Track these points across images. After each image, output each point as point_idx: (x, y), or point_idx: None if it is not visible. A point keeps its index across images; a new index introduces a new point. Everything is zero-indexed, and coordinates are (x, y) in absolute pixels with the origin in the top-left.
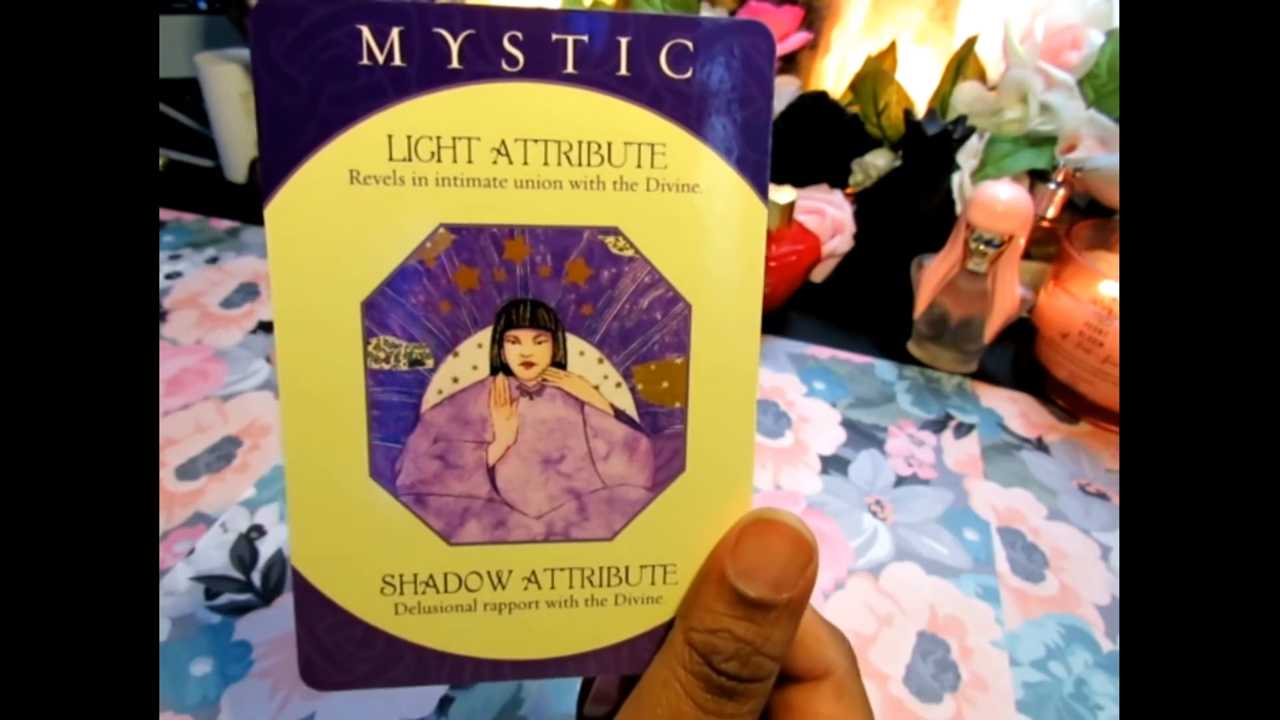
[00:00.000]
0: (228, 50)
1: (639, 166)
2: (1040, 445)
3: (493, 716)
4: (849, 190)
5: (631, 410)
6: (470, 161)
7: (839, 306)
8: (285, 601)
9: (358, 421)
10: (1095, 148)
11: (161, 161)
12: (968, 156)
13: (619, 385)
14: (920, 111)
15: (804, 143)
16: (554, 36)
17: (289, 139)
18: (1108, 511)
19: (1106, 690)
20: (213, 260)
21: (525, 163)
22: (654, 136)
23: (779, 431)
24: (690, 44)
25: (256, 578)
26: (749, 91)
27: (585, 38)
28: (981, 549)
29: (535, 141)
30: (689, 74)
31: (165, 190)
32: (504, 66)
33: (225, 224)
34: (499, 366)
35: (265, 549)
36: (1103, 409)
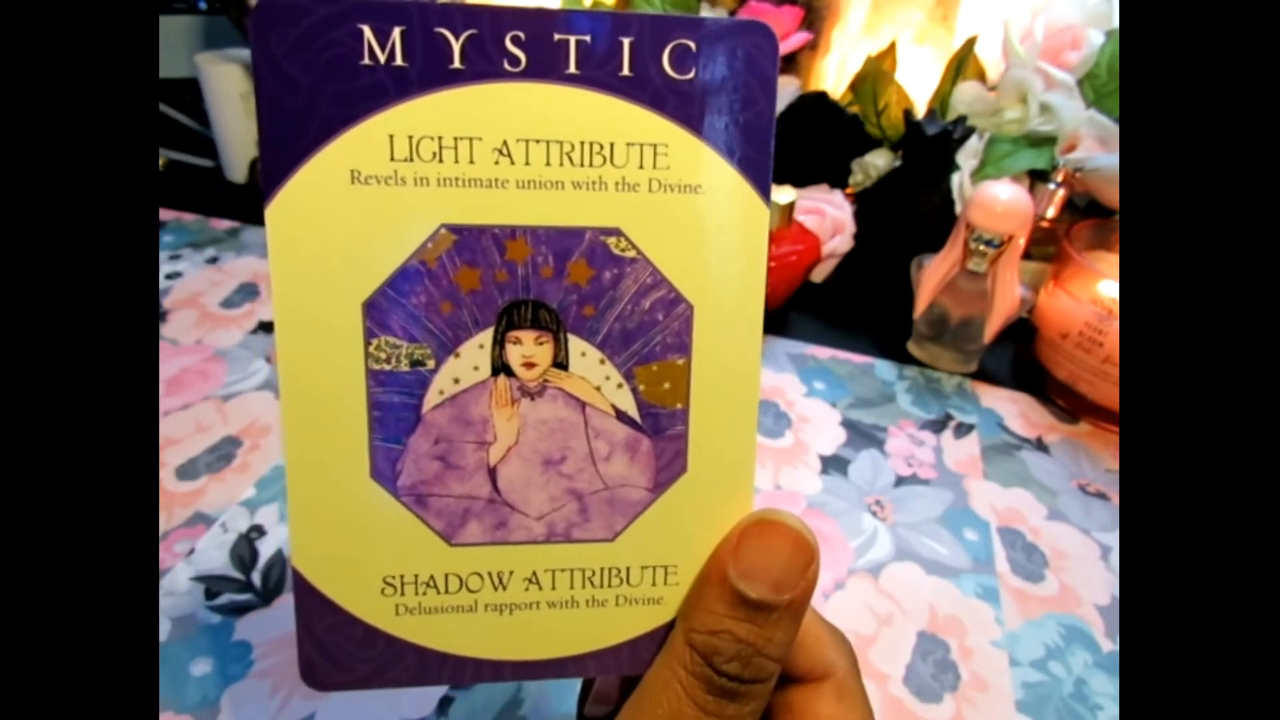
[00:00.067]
0: (228, 50)
1: (641, 167)
2: (1040, 445)
3: (493, 717)
4: (849, 190)
5: (633, 411)
6: (472, 162)
7: (839, 306)
8: (285, 601)
9: (359, 422)
10: (1095, 148)
11: (161, 161)
12: (968, 156)
13: (620, 386)
14: (920, 111)
15: (804, 143)
16: (556, 36)
17: (290, 139)
18: (1108, 511)
19: (1106, 690)
20: (213, 260)
21: (527, 163)
22: (656, 137)
23: (779, 431)
24: (693, 44)
25: (256, 578)
26: (751, 92)
27: (588, 38)
28: (981, 549)
29: (537, 142)
30: (691, 74)
31: (165, 190)
32: (506, 66)
33: (225, 224)
34: (500, 367)
35: (265, 549)
36: (1103, 409)
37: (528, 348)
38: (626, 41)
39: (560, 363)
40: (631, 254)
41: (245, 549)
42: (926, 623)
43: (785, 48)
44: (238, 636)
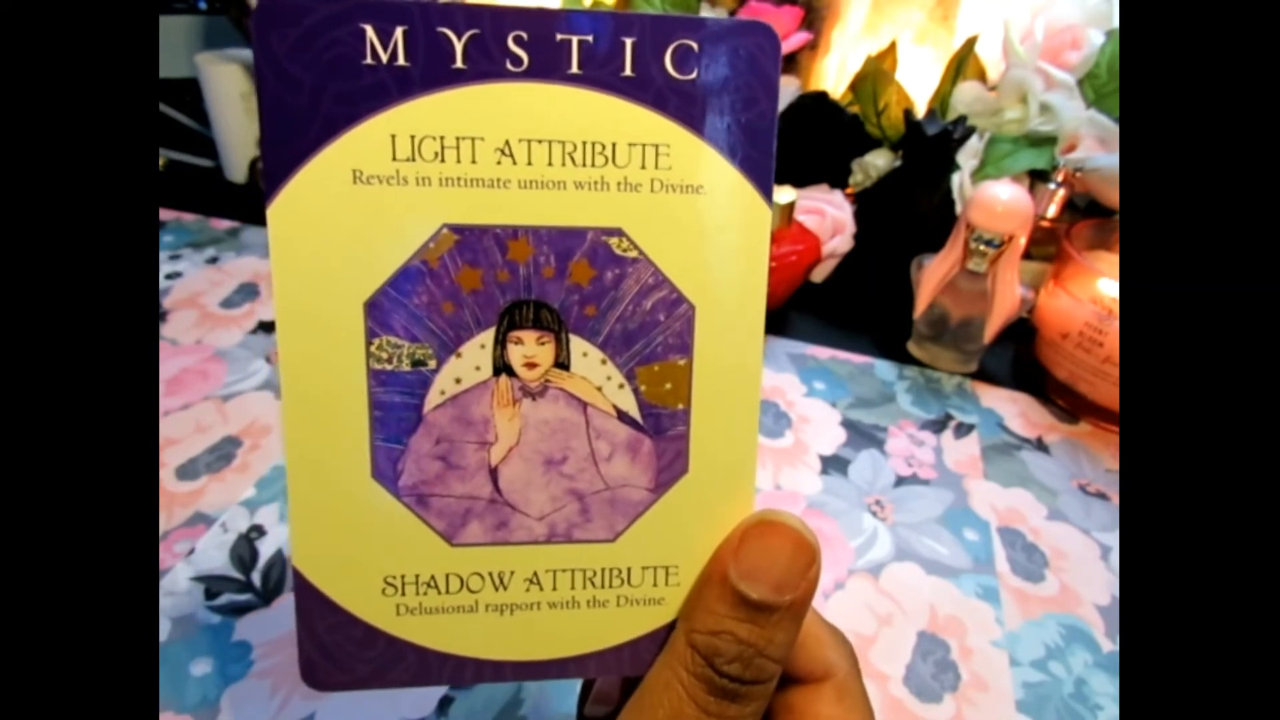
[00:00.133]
0: (228, 50)
1: (643, 167)
2: (1040, 445)
3: (493, 717)
4: (849, 190)
5: (634, 411)
6: (474, 162)
7: (839, 306)
8: (285, 601)
9: (360, 422)
10: (1095, 148)
11: (161, 161)
12: (968, 156)
13: (622, 386)
14: (920, 111)
15: (804, 143)
16: (559, 36)
17: (292, 138)
18: (1108, 511)
19: (1106, 690)
20: (213, 260)
21: (529, 163)
22: (658, 137)
23: (779, 431)
24: (695, 45)
25: (256, 578)
26: (753, 93)
27: (590, 38)
28: (981, 549)
29: (539, 142)
30: (694, 75)
31: (165, 190)
32: (508, 66)
33: (225, 224)
34: (502, 367)
35: (265, 549)
36: (1103, 409)
37: (529, 348)
38: (629, 42)
39: (562, 363)
40: (633, 254)
41: (245, 549)
42: (926, 623)
43: (785, 48)
44: (238, 636)
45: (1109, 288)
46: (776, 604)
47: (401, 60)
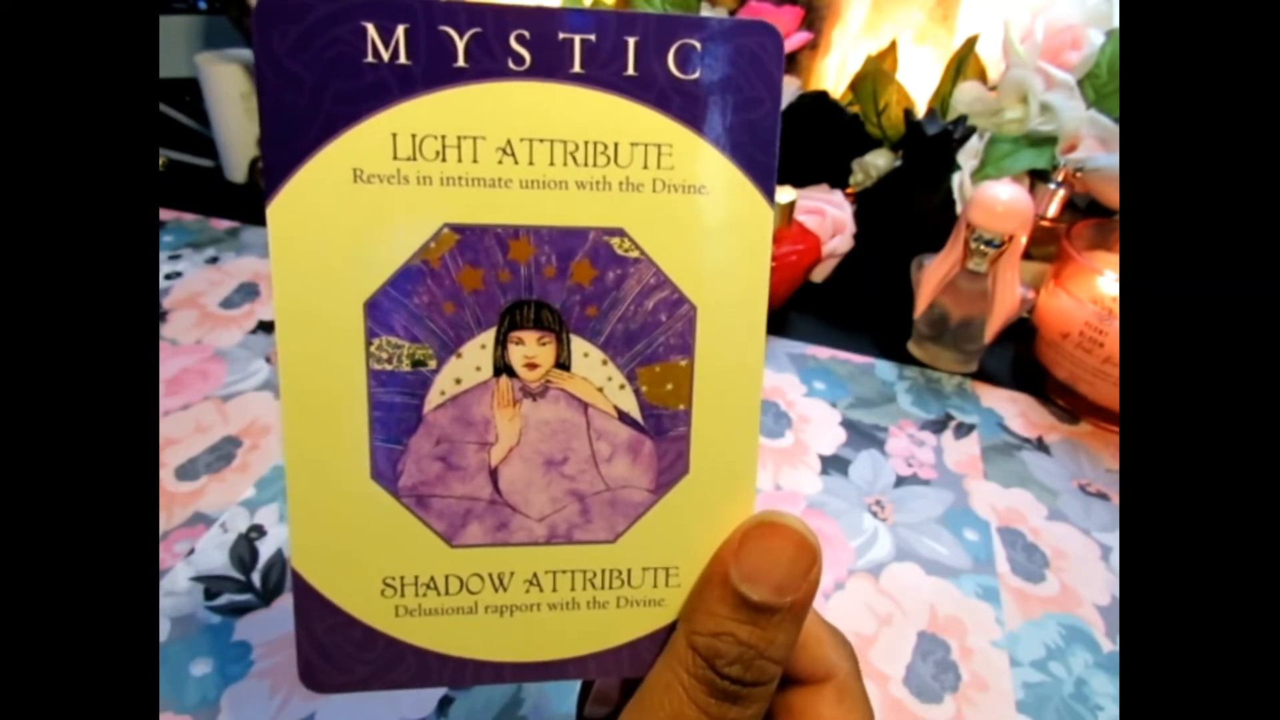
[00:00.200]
0: (228, 50)
1: (645, 167)
2: (1040, 445)
3: (493, 717)
4: (849, 190)
5: (635, 412)
6: (475, 161)
7: (839, 306)
8: (285, 602)
9: (359, 422)
10: (1095, 148)
11: (161, 161)
12: (968, 156)
13: (623, 387)
14: (920, 111)
15: (804, 143)
16: (561, 35)
17: (292, 137)
18: (1108, 511)
19: (1106, 690)
20: (213, 260)
21: (531, 163)
22: (660, 137)
23: (779, 431)
24: (698, 44)
25: (256, 578)
26: (756, 92)
27: (592, 37)
28: (981, 549)
29: (541, 141)
30: (696, 74)
31: (165, 190)
32: (510, 65)
33: (225, 224)
34: (502, 368)
35: (265, 549)
36: (1103, 409)
37: (530, 348)
38: (631, 41)
39: (562, 363)
40: (635, 254)
41: (245, 549)
42: (927, 623)
43: (785, 47)
44: (237, 637)
45: (1109, 288)
46: (777, 605)
47: (403, 58)
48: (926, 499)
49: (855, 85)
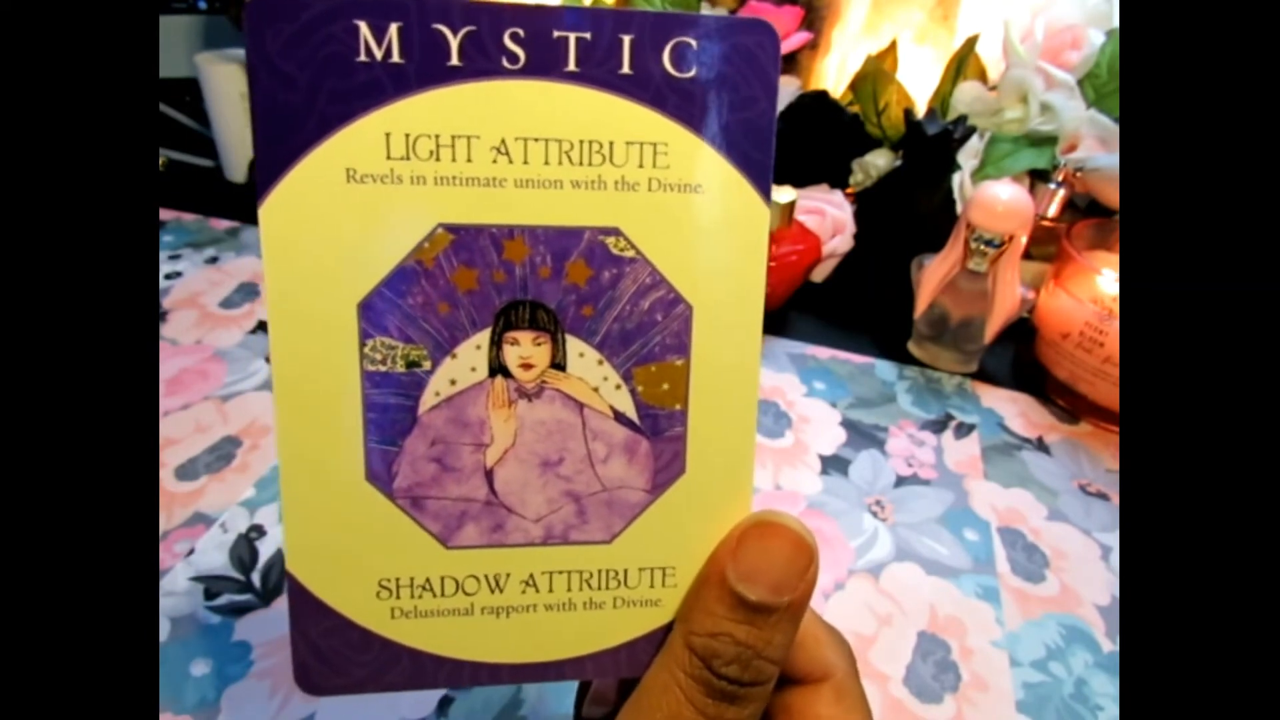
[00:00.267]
0: (228, 50)
1: (641, 166)
2: (1040, 445)
3: (492, 717)
4: (849, 190)
5: (631, 412)
6: (469, 160)
7: (839, 306)
8: (285, 602)
9: (354, 424)
10: (1095, 148)
11: (161, 161)
12: (968, 156)
13: (619, 387)
14: (920, 111)
15: (804, 143)
16: (556, 34)
17: (285, 136)
18: (1108, 511)
19: (1106, 690)
20: (213, 260)
21: (525, 162)
22: (656, 136)
23: (779, 431)
24: (694, 42)
25: (256, 578)
26: (752, 91)
27: (588, 35)
28: (981, 549)
29: (536, 140)
30: (692, 73)
31: (165, 190)
32: (505, 64)
33: (225, 224)
34: (497, 368)
35: (265, 549)
36: (1103, 409)
37: (525, 349)
38: (627, 39)
39: (558, 364)
40: (630, 254)
41: (245, 549)
42: (927, 623)
43: (785, 47)
44: (237, 637)
45: (1109, 288)
46: (775, 605)
47: (396, 57)
48: (926, 499)
49: (855, 85)
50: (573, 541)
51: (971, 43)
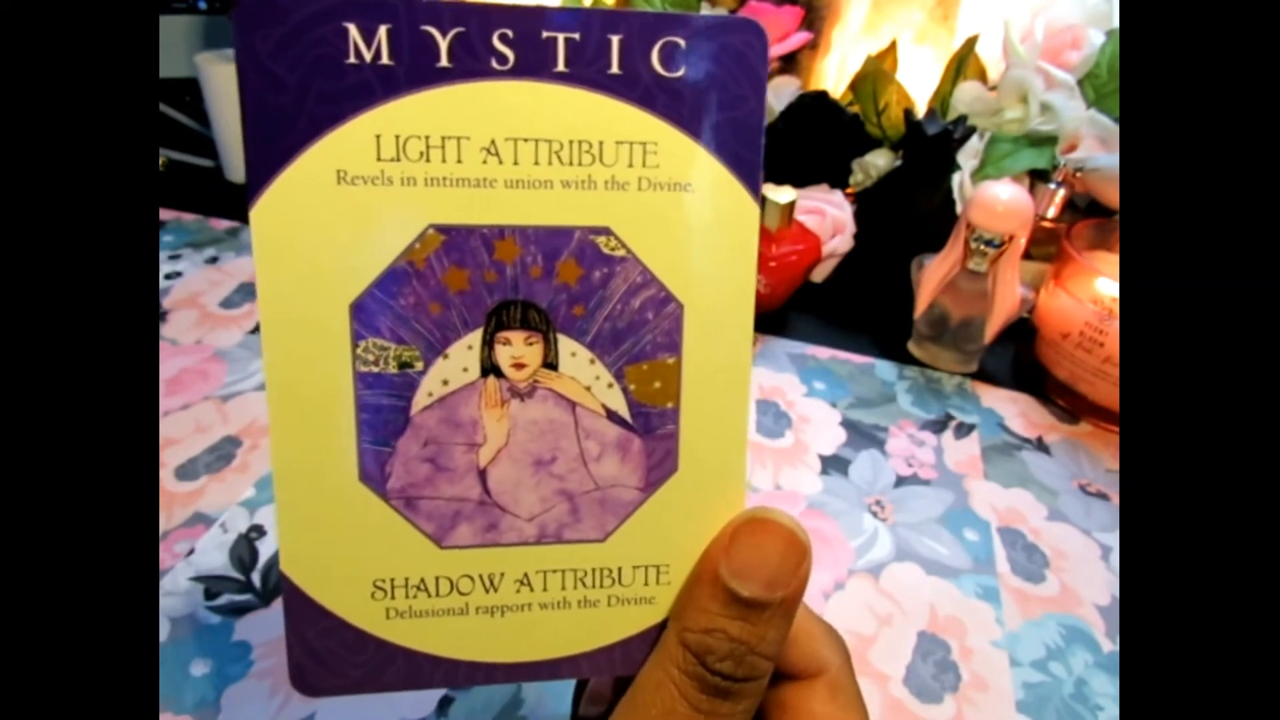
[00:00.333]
0: (228, 50)
1: (631, 166)
2: (1040, 445)
3: (492, 717)
4: (849, 190)
5: (624, 411)
6: (460, 161)
7: (839, 306)
8: None
9: (346, 425)
10: (1095, 148)
11: (161, 161)
12: (968, 156)
13: (611, 386)
14: (920, 111)
15: (804, 143)
16: (545, 34)
17: (275, 138)
18: (1108, 511)
19: (1106, 690)
20: (212, 260)
21: (515, 162)
22: (646, 135)
23: (779, 431)
24: (682, 42)
25: (256, 578)
26: (741, 90)
27: (576, 35)
28: (982, 549)
29: (526, 141)
30: (681, 72)
31: (165, 190)
32: (494, 65)
33: (225, 224)
34: (489, 368)
35: (265, 549)
36: (1103, 409)
37: (517, 348)
38: (615, 39)
39: (550, 363)
40: (621, 253)
41: (245, 549)
42: (927, 623)
43: (785, 47)
44: (237, 637)
45: (1109, 288)
46: (768, 601)
47: (385, 59)
48: (926, 499)
49: (855, 85)
50: (566, 540)
51: (971, 43)
